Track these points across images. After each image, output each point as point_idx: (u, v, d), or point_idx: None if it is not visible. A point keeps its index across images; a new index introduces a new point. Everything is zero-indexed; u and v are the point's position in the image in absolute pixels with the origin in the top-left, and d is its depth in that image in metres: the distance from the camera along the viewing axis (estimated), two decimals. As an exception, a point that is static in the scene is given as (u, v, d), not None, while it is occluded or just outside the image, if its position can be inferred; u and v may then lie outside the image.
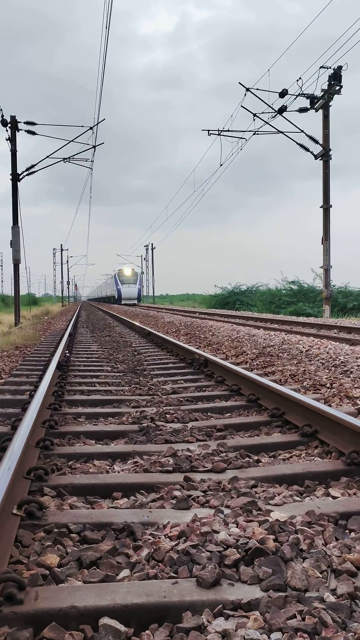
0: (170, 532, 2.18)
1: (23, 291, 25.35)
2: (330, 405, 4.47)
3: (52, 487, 2.72)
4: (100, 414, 4.54)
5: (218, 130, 22.32)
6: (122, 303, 58.05)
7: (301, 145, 21.22)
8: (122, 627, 1.61)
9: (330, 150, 21.20)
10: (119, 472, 3.07)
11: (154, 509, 2.49)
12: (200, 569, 1.87)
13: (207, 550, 1.99)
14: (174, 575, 1.89)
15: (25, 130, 20.78)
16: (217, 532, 2.13)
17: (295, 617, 1.62)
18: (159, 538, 2.14)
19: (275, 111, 20.61)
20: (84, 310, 38.33)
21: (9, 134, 20.38)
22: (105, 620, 1.62)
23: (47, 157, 21.32)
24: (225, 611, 1.68)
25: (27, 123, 20.75)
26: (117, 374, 6.87)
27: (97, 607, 1.67)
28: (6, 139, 20.41)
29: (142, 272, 65.84)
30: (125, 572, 1.90)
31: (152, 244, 70.31)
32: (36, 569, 1.89)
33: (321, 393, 5.14)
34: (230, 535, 2.11)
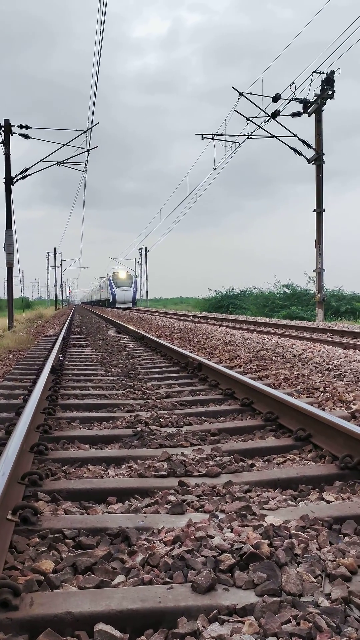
0: (165, 537, 2.19)
1: (16, 294, 25.31)
2: (323, 409, 4.49)
3: (46, 492, 2.72)
4: (95, 418, 4.54)
5: (212, 135, 22.39)
6: (117, 307, 56.53)
7: (294, 150, 21.29)
8: (117, 633, 1.61)
9: (323, 154, 21.29)
10: (113, 477, 3.07)
11: (148, 513, 2.49)
12: (195, 574, 1.87)
13: (202, 555, 2.00)
14: (169, 580, 1.89)
15: (19, 134, 20.77)
16: (212, 537, 2.13)
17: (290, 622, 1.63)
18: (154, 543, 2.14)
19: (269, 115, 20.68)
20: (77, 313, 38.27)
21: (3, 138, 20.35)
22: (100, 626, 1.62)
23: (41, 160, 21.31)
24: (220, 616, 1.69)
25: (21, 127, 20.74)
26: (111, 378, 6.87)
27: (93, 612, 1.67)
28: (0, 143, 20.38)
29: (137, 275, 64.23)
30: (120, 578, 1.90)
31: (145, 248, 70.00)
32: (31, 575, 1.89)
33: (315, 397, 5.15)
34: (225, 540, 2.11)
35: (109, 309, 55.36)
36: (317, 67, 20.06)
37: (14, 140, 20.49)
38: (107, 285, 61.47)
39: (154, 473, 3.04)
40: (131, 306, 57.04)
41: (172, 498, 2.65)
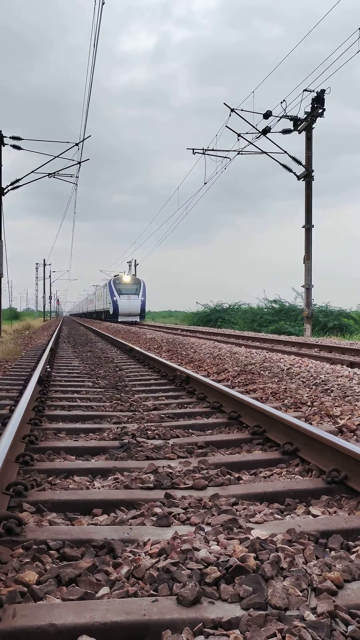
0: (150, 549, 2.17)
1: (5, 305, 25.20)
2: (311, 424, 4.49)
3: (31, 503, 2.69)
4: (81, 430, 4.51)
5: (203, 149, 22.53)
6: (120, 320, 43.49)
7: (284, 166, 21.49)
8: (101, 646, 1.59)
9: (312, 171, 21.50)
10: (99, 489, 3.04)
11: (134, 525, 2.47)
12: (181, 587, 1.86)
13: (188, 568, 1.98)
14: (154, 593, 1.87)
15: (11, 145, 20.81)
16: (198, 550, 2.12)
17: (276, 636, 1.62)
18: (139, 555, 2.12)
19: (260, 132, 20.88)
20: (65, 325, 38.14)
21: (-6, 148, 20.36)
22: (84, 639, 1.60)
23: (32, 172, 21.35)
24: (205, 630, 1.67)
25: (13, 138, 20.79)
26: (99, 390, 6.84)
27: (76, 625, 1.65)
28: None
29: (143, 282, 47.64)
30: (104, 590, 1.88)
31: (135, 260, 69.04)
32: (14, 586, 1.86)
33: (302, 411, 5.16)
34: (210, 553, 2.10)
35: (99, 322, 49.67)
36: (307, 85, 20.31)
37: (3, 150, 20.46)
38: (107, 293, 47.94)
39: (140, 485, 3.02)
40: (138, 320, 44.64)
41: (158, 510, 2.63)
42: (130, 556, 2.11)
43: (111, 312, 45.43)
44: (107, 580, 1.95)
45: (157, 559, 2.07)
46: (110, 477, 3.26)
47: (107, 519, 2.58)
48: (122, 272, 51.27)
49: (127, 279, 46.68)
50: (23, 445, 3.70)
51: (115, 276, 48.50)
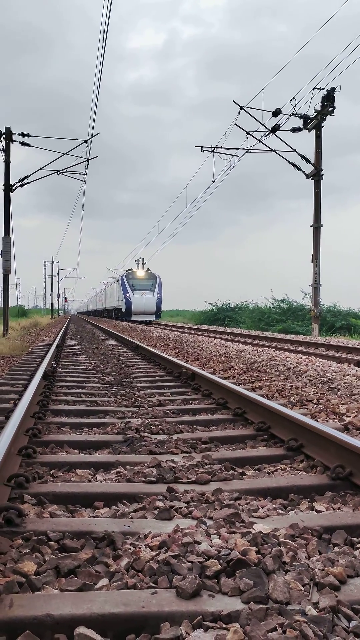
0: (151, 542, 2.14)
1: (12, 302, 25.26)
2: (316, 421, 4.45)
3: (32, 494, 2.67)
4: (85, 424, 4.49)
5: (212, 147, 22.47)
6: (133, 319, 39.63)
7: (293, 165, 21.40)
8: (98, 637, 1.57)
9: (322, 170, 21.40)
10: (101, 482, 3.02)
11: (135, 518, 2.45)
12: (181, 580, 1.83)
13: (188, 561, 1.95)
14: (153, 585, 1.84)
15: (20, 142, 20.82)
16: (199, 543, 2.09)
17: (276, 630, 1.59)
18: (140, 548, 2.09)
19: (269, 130, 20.80)
20: (73, 323, 38.18)
21: (3, 145, 20.39)
22: (80, 630, 1.58)
23: (41, 169, 21.35)
24: (204, 622, 1.64)
25: (22, 134, 20.80)
26: (104, 385, 6.82)
27: (74, 615, 1.62)
28: (0, 150, 20.42)
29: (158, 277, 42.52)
30: (103, 581, 1.86)
31: (142, 259, 68.75)
32: (12, 576, 1.84)
33: (308, 408, 5.12)
34: (212, 546, 2.07)
35: (105, 319, 48.01)
36: (317, 83, 20.19)
37: (12, 147, 20.49)
38: (119, 289, 43.35)
39: (143, 479, 3.00)
40: (153, 319, 40.34)
41: (160, 504, 2.60)
42: (130, 548, 2.08)
43: (123, 310, 41.08)
44: (106, 572, 1.92)
45: (157, 552, 2.05)
46: (112, 471, 3.24)
47: (109, 511, 2.55)
48: (134, 267, 44.54)
49: (141, 273, 41.80)
50: (26, 438, 3.69)
51: (128, 270, 42.89)
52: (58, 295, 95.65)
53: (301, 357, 10.19)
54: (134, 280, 40.90)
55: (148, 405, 5.40)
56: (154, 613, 1.66)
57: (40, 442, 3.74)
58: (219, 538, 2.16)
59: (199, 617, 1.65)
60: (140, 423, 4.41)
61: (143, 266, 44.02)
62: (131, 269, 42.87)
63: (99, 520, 2.40)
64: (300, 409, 5.12)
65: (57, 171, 21.85)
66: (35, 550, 2.06)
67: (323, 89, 20.27)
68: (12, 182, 20.65)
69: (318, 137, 21.33)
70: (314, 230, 21.53)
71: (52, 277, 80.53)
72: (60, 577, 1.88)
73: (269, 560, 1.92)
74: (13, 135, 20.61)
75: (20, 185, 20.91)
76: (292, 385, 6.55)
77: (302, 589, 1.81)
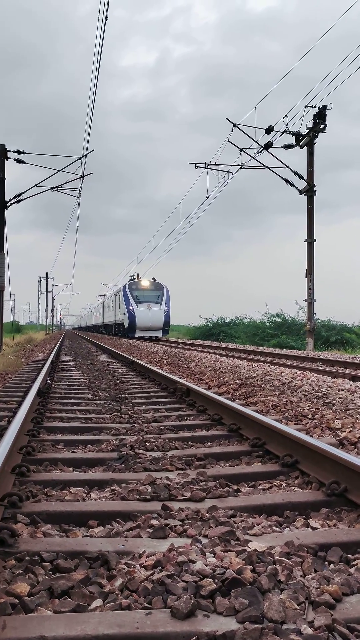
0: (145, 561, 2.12)
1: (7, 318, 25.21)
2: (311, 436, 4.44)
3: (26, 514, 2.65)
4: (80, 441, 4.46)
5: (205, 164, 22.63)
6: (137, 336, 34.67)
7: (287, 181, 21.57)
8: (91, 659, 1.55)
9: (315, 186, 21.56)
10: (95, 500, 3.00)
11: (129, 537, 2.43)
12: (175, 600, 1.81)
13: (183, 580, 1.94)
14: (147, 605, 1.83)
15: (15, 159, 20.92)
16: (194, 562, 2.08)
17: (272, 650, 1.57)
18: (134, 567, 2.08)
19: (262, 147, 20.99)
20: (67, 338, 38.09)
21: (-2, 162, 20.47)
22: (74, 652, 1.56)
23: (36, 185, 21.44)
24: (199, 643, 1.62)
25: (17, 152, 20.91)
26: (98, 402, 6.80)
27: (67, 637, 1.61)
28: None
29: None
30: (97, 602, 1.84)
31: (137, 274, 68.80)
32: (5, 598, 1.82)
33: (303, 424, 5.11)
34: (207, 565, 2.05)
35: (101, 334, 45.37)
36: (309, 101, 20.43)
37: (6, 164, 20.57)
38: (120, 301, 37.45)
39: (137, 497, 2.98)
40: (160, 335, 35.34)
41: (154, 522, 2.59)
42: (124, 568, 2.06)
43: (126, 325, 35.51)
44: (100, 592, 1.91)
45: (151, 571, 2.03)
46: (107, 489, 3.22)
47: (103, 530, 2.54)
48: (136, 275, 38.64)
49: (146, 283, 36.09)
50: (20, 457, 3.66)
51: (130, 280, 37.30)
52: (53, 311, 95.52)
53: (296, 372, 10.19)
54: (138, 291, 35.44)
55: (143, 421, 5.38)
56: (149, 634, 1.65)
57: (34, 460, 3.72)
58: (214, 557, 2.15)
59: (194, 638, 1.64)
60: (135, 440, 4.39)
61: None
62: (134, 278, 37.44)
63: (93, 539, 2.38)
64: (295, 424, 5.11)
65: (52, 188, 21.95)
66: (28, 571, 2.03)
67: (315, 106, 20.51)
68: (6, 199, 20.70)
69: (310, 154, 21.52)
70: (307, 246, 21.65)
71: (46, 293, 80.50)
72: (54, 598, 1.86)
73: (264, 579, 1.91)
74: (8, 153, 20.71)
75: (15, 202, 20.98)
76: (287, 401, 6.55)
77: (298, 607, 1.80)
